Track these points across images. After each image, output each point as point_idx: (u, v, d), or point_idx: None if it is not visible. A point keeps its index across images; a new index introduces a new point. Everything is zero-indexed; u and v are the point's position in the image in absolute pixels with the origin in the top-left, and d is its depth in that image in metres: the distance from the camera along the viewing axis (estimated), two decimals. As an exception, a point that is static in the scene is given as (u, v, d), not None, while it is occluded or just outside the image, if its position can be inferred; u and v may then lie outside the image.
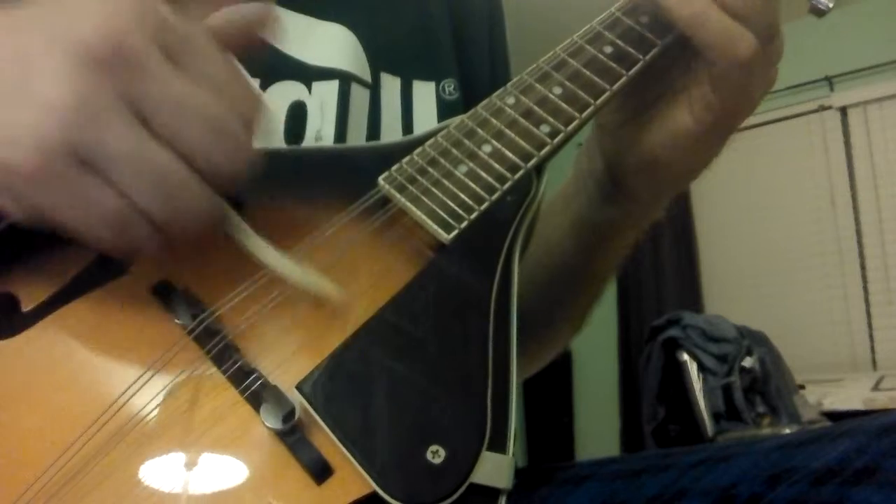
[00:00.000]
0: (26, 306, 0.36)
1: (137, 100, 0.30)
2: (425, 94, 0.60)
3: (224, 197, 0.34)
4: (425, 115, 0.59)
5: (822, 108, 3.11)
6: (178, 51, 0.31)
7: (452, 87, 0.61)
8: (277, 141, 0.52)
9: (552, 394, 3.36)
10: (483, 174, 0.42)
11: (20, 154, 0.29)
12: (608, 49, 0.46)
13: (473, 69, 0.64)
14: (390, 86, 0.59)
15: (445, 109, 0.59)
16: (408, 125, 0.58)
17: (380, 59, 0.58)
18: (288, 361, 0.35)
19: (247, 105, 0.33)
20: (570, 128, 0.43)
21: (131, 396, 0.33)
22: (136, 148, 0.30)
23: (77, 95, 0.29)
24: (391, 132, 0.58)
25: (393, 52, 0.59)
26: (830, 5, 0.48)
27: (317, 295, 0.36)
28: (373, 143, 0.56)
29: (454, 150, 0.43)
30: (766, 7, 0.43)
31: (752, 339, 2.30)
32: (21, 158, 0.29)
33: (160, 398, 0.34)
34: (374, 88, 0.58)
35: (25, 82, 0.30)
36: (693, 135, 0.46)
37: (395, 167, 0.42)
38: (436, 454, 0.32)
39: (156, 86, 0.30)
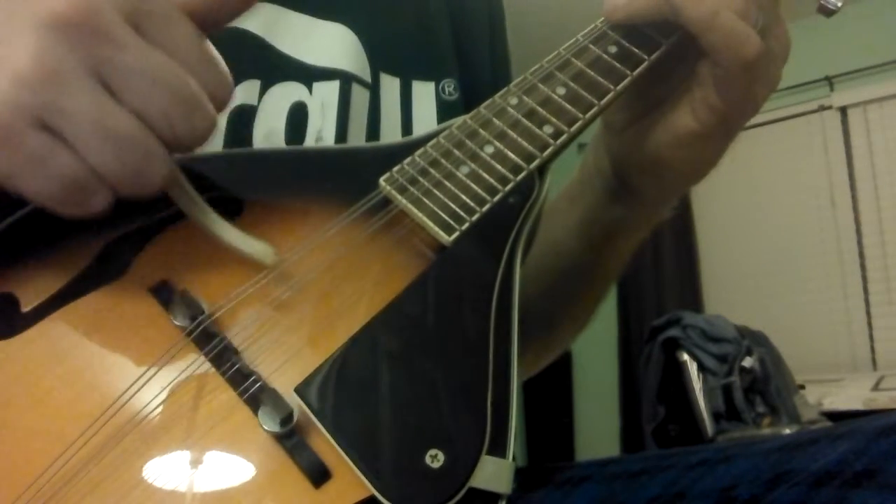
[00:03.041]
0: (26, 307, 0.36)
1: (101, 67, 0.31)
2: (425, 95, 0.60)
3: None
4: (425, 116, 0.59)
5: (822, 108, 3.11)
6: (146, 22, 0.32)
7: (452, 87, 0.61)
8: (278, 142, 0.52)
9: (552, 394, 3.36)
10: (485, 175, 0.41)
11: None
12: (613, 49, 0.46)
13: (474, 69, 0.64)
14: (390, 86, 0.59)
15: (445, 109, 0.59)
16: (407, 126, 0.58)
17: (379, 59, 0.58)
18: (287, 364, 0.35)
19: (213, 78, 0.34)
20: (574, 128, 0.43)
21: (130, 398, 0.33)
22: (96, 111, 0.30)
23: (38, 61, 0.30)
24: (390, 133, 0.57)
25: (392, 53, 0.59)
26: (839, 4, 0.47)
27: (254, 259, 0.37)
28: (374, 144, 0.56)
29: (456, 151, 0.43)
30: (766, 6, 0.43)
31: (752, 339, 2.30)
32: None
33: (158, 400, 0.33)
34: (374, 89, 0.57)
35: None
36: (696, 136, 0.46)
37: (396, 168, 0.42)
38: (435, 458, 0.31)
39: (122, 54, 0.31)
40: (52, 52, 0.30)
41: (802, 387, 2.38)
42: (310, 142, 0.53)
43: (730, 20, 0.41)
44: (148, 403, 0.33)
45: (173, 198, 0.36)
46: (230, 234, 0.37)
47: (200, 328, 0.35)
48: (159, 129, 0.32)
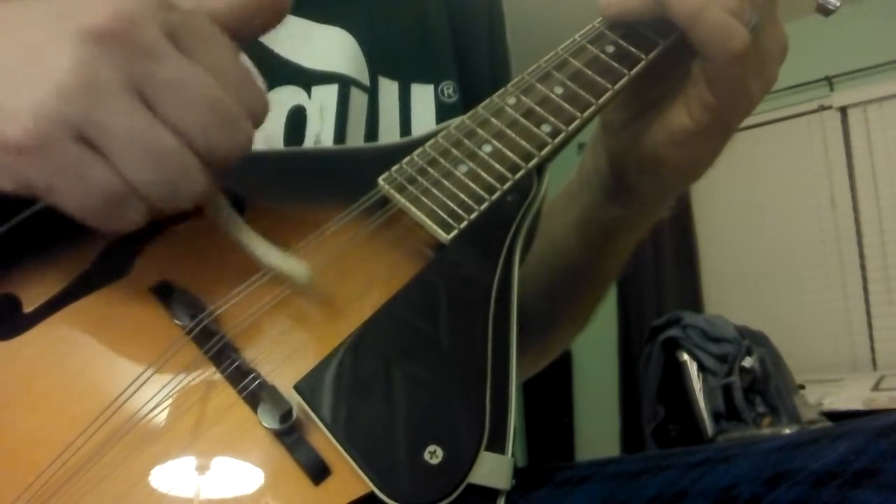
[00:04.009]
0: (27, 307, 0.36)
1: (141, 81, 0.30)
2: (424, 98, 0.60)
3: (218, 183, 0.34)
4: (424, 119, 0.59)
5: (822, 108, 3.11)
6: (184, 36, 0.32)
7: (451, 89, 0.61)
8: (277, 146, 0.52)
9: (552, 394, 3.36)
10: (483, 174, 0.41)
11: (16, 126, 0.30)
12: (610, 48, 0.46)
13: (473, 71, 0.64)
14: (388, 90, 0.59)
15: (444, 112, 0.59)
16: (406, 129, 0.58)
17: (378, 62, 0.58)
18: (287, 361, 0.35)
19: (250, 94, 0.33)
20: (572, 127, 0.43)
21: (129, 397, 0.33)
22: (136, 126, 0.30)
23: (79, 74, 0.30)
24: (389, 136, 0.58)
25: (391, 56, 0.59)
26: (838, 4, 0.47)
27: (290, 279, 0.36)
28: (373, 144, 0.56)
29: (454, 151, 0.43)
30: (761, 5, 0.43)
31: (752, 339, 2.30)
32: (17, 130, 0.30)
33: (158, 399, 0.34)
34: (373, 92, 0.58)
35: (30, 61, 0.30)
36: (692, 134, 0.46)
37: (394, 167, 0.42)
38: (433, 454, 0.31)
39: (160, 68, 0.31)
40: (91, 65, 0.30)
41: (802, 387, 2.38)
42: (308, 145, 0.53)
43: (716, 15, 0.41)
44: (147, 402, 0.33)
45: (208, 212, 0.36)
46: (265, 250, 0.36)
47: (200, 326, 0.35)
48: (196, 144, 0.31)
